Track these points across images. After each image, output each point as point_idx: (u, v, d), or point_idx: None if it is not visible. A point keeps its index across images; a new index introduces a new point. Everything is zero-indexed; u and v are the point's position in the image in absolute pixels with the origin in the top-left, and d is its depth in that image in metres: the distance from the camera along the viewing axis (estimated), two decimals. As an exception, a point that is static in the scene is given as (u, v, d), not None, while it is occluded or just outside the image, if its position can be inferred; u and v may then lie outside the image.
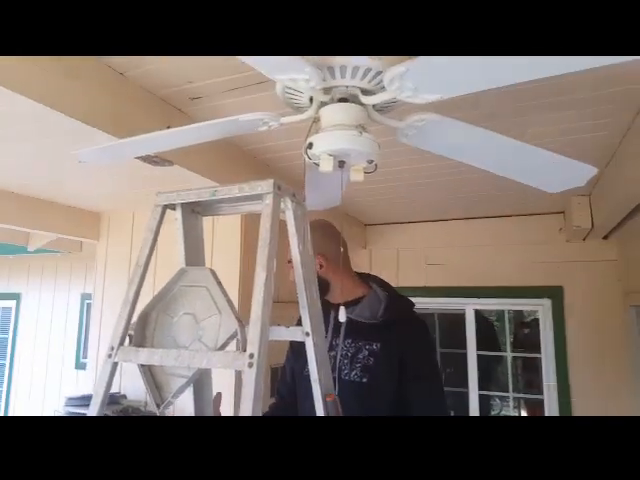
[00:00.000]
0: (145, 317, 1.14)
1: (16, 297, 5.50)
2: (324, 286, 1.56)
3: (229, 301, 1.06)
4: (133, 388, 2.72)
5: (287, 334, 1.11)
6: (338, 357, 1.49)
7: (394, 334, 1.46)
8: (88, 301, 4.86)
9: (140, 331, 1.12)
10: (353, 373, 1.45)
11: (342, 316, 1.18)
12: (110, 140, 1.47)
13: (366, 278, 1.65)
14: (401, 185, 2.74)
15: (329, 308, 1.54)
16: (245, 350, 0.88)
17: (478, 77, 0.88)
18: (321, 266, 1.58)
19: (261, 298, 0.99)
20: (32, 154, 2.09)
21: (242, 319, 1.00)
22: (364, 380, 1.43)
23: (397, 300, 1.57)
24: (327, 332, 1.52)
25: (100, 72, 1.43)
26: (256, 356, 0.85)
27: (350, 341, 1.50)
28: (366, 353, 1.46)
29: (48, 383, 5.08)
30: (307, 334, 1.07)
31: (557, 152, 2.03)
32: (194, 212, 1.30)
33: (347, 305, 1.52)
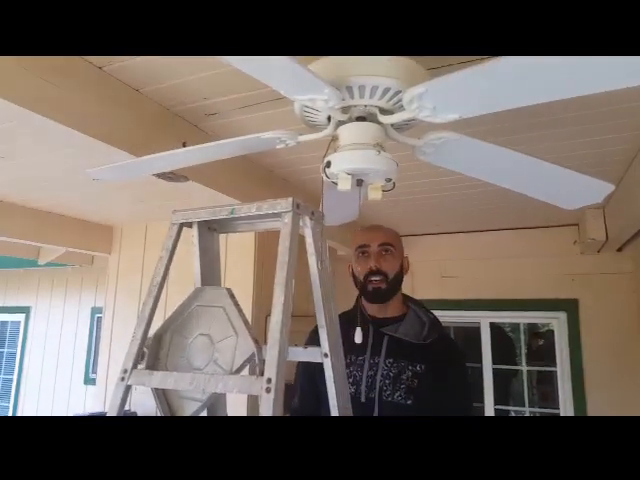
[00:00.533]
0: (159, 338, 1.13)
1: (25, 311, 5.52)
2: (395, 290, 1.57)
3: (246, 322, 1.04)
4: (143, 406, 2.70)
5: (305, 355, 1.09)
6: (378, 377, 1.44)
7: (437, 356, 1.44)
8: (98, 315, 4.86)
9: (154, 353, 1.11)
10: (397, 394, 1.41)
11: (358, 337, 1.18)
12: (124, 156, 1.48)
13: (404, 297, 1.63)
14: (416, 198, 2.73)
15: (366, 321, 1.52)
16: (262, 374, 0.86)
17: (500, 98, 0.87)
18: (406, 269, 1.61)
19: (280, 320, 0.97)
20: (45, 168, 2.11)
21: (259, 340, 0.99)
22: (409, 402, 1.39)
23: (439, 322, 1.56)
24: (366, 349, 1.49)
25: (115, 88, 1.44)
26: (274, 381, 0.83)
27: (392, 360, 1.46)
28: (410, 374, 1.42)
29: (56, 398, 5.06)
30: (325, 355, 1.06)
31: (572, 167, 2.02)
32: (210, 229, 1.30)
33: (388, 322, 1.52)
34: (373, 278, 1.51)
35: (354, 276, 1.59)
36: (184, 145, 1.66)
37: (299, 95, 0.94)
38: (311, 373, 1.54)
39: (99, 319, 4.87)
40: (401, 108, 0.97)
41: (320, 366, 1.04)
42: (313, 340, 1.07)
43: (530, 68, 0.77)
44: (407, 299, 1.62)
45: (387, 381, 1.43)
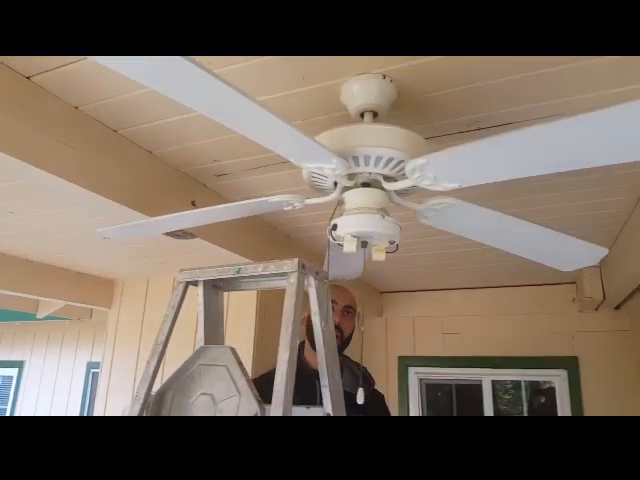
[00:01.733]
0: (161, 397, 1.13)
1: (19, 365, 5.41)
2: (344, 349, 1.75)
3: (249, 381, 1.05)
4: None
5: (308, 415, 1.10)
6: None
7: (367, 405, 1.48)
8: (94, 370, 4.78)
9: (155, 412, 1.11)
10: None
11: (360, 398, 1.18)
12: (133, 214, 1.52)
13: None
14: (418, 255, 2.78)
15: (311, 374, 1.58)
16: (267, 435, 0.86)
17: (496, 170, 0.93)
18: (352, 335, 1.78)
19: (284, 379, 0.99)
20: (49, 223, 2.15)
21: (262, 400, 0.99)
22: None
23: (370, 376, 1.75)
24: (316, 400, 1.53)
25: (128, 150, 1.50)
26: (279, 442, 0.84)
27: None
28: None
29: (47, 456, 4.88)
30: (328, 415, 1.06)
31: (568, 227, 2.08)
32: (216, 287, 1.32)
33: None
34: None
35: (308, 324, 1.65)
36: (193, 204, 1.71)
37: (308, 163, 1.00)
38: None
39: (95, 374, 4.78)
40: (404, 176, 1.03)
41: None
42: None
43: (525, 144, 0.83)
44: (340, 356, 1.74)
45: None
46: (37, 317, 3.88)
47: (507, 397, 4.87)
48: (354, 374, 1.72)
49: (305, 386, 1.31)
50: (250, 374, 2.66)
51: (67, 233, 2.31)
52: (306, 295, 1.13)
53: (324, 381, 1.10)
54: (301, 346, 1.73)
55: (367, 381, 1.70)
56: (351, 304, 1.78)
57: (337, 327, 1.63)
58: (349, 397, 1.48)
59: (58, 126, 1.28)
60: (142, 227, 1.39)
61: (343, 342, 1.72)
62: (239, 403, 1.04)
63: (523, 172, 0.92)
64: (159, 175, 1.63)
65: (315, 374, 1.54)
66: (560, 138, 0.79)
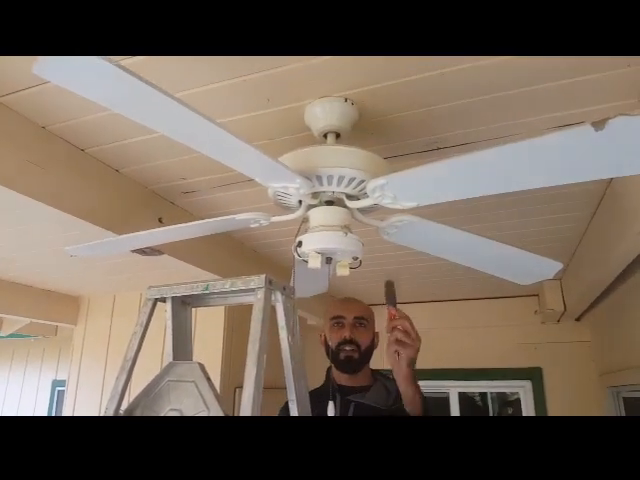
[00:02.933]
0: (130, 414, 1.13)
1: (-19, 384, 5.24)
2: (365, 362, 1.63)
3: (217, 396, 1.06)
4: None
5: (275, 429, 1.11)
6: None
7: None
8: (60, 388, 4.66)
9: (125, 429, 1.11)
10: None
11: (330, 411, 1.21)
12: (100, 231, 1.53)
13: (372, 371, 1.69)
14: (382, 269, 2.83)
15: (333, 391, 1.53)
16: (235, 448, 0.88)
17: (450, 190, 0.98)
18: (376, 345, 1.68)
19: (251, 394, 1.00)
20: (13, 240, 2.12)
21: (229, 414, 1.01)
22: None
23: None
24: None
25: (94, 168, 1.51)
26: (247, 455, 0.86)
27: None
28: None
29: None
30: (295, 428, 1.08)
31: (527, 242, 2.16)
32: (184, 304, 1.33)
33: (355, 390, 1.56)
34: (346, 347, 1.57)
35: (326, 345, 1.63)
36: (160, 221, 1.72)
37: (273, 183, 1.03)
38: None
39: (60, 392, 4.66)
40: (365, 195, 1.07)
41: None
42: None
43: (477, 166, 0.88)
44: (375, 372, 1.67)
45: None
46: (1, 335, 3.78)
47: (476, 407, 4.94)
48: (387, 390, 1.59)
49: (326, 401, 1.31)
50: (219, 387, 2.66)
51: (33, 250, 2.28)
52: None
53: (291, 395, 1.12)
54: (330, 369, 1.66)
55: (400, 399, 1.51)
56: (362, 314, 1.66)
57: (351, 341, 1.57)
58: (375, 412, 1.47)
59: (26, 146, 1.28)
60: (110, 245, 1.40)
61: (362, 355, 1.59)
62: (207, 418, 1.05)
63: (476, 192, 0.98)
64: (127, 193, 1.64)
65: (337, 388, 1.56)
66: (511, 161, 0.85)
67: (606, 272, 2.06)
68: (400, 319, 1.39)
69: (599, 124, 0.70)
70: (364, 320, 1.65)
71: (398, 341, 1.36)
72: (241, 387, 1.01)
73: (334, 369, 1.65)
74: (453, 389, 3.64)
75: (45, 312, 3.15)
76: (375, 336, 1.68)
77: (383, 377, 1.66)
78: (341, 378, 1.61)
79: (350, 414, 1.50)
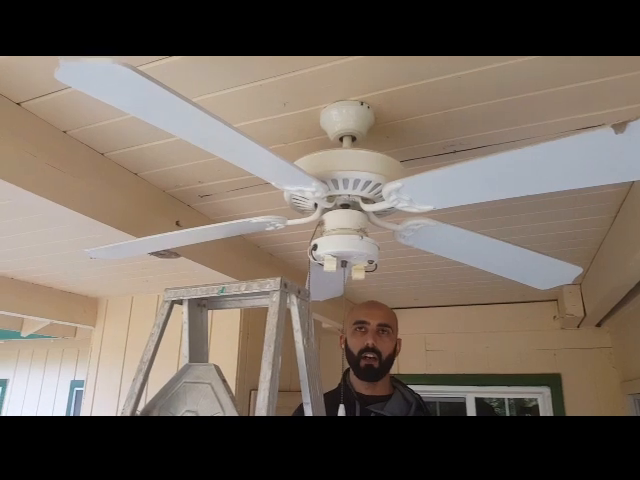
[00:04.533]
0: (147, 415, 1.14)
1: (2, 384, 5.34)
2: (386, 371, 1.60)
3: (233, 398, 1.07)
4: None
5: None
6: None
7: None
8: (78, 388, 4.73)
9: (142, 429, 1.12)
10: None
11: (341, 412, 1.21)
12: (117, 233, 1.55)
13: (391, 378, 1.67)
14: (399, 273, 2.82)
15: (352, 398, 1.54)
16: (250, 450, 0.88)
17: (467, 193, 0.97)
18: (398, 351, 1.64)
19: (266, 397, 1.00)
20: (35, 243, 2.17)
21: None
22: None
23: (424, 403, 1.60)
24: None
25: (114, 172, 1.53)
26: (262, 457, 0.86)
27: None
28: None
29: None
30: (310, 432, 1.08)
31: (547, 246, 2.12)
32: (200, 306, 1.35)
33: (375, 400, 1.54)
34: (367, 355, 1.54)
35: (347, 349, 1.61)
36: (177, 224, 1.74)
37: (288, 186, 1.04)
38: None
39: (78, 393, 4.73)
40: (381, 198, 1.07)
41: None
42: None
43: (495, 169, 0.87)
44: (393, 380, 1.66)
45: None
46: (21, 335, 3.85)
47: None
48: (406, 401, 1.58)
49: (346, 408, 1.28)
50: (234, 389, 2.67)
51: (53, 252, 2.32)
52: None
53: (306, 399, 1.12)
54: (347, 371, 1.65)
55: (421, 409, 1.56)
56: (386, 322, 1.60)
57: (373, 349, 1.54)
58: None
59: (47, 149, 1.31)
60: (129, 247, 1.41)
61: (382, 364, 1.55)
62: (222, 420, 1.06)
63: (494, 196, 0.97)
64: (145, 196, 1.66)
65: (357, 397, 1.55)
66: (529, 164, 0.84)
67: (628, 276, 2.02)
68: None
69: (620, 127, 0.68)
70: (388, 327, 1.60)
71: None
72: (256, 389, 1.01)
73: (352, 375, 1.63)
74: (470, 395, 3.60)
75: (65, 313, 3.20)
76: (397, 343, 1.65)
77: (402, 386, 1.64)
78: (360, 386, 1.59)
79: None
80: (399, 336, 1.66)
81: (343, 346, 1.64)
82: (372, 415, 1.50)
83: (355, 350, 1.57)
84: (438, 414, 4.08)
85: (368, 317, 1.60)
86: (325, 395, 1.11)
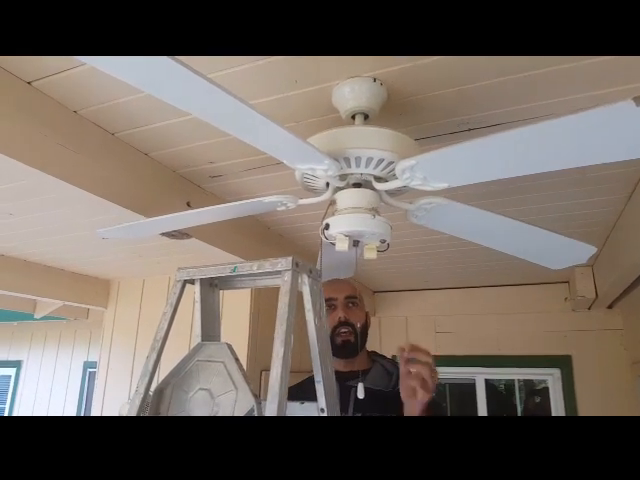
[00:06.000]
0: (160, 393, 1.15)
1: (17, 365, 5.44)
2: (363, 344, 1.60)
3: (245, 377, 1.07)
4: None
5: (301, 410, 1.12)
6: None
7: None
8: (91, 369, 4.81)
9: (154, 407, 1.13)
10: None
11: (360, 392, 1.20)
12: (129, 214, 1.55)
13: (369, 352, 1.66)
14: (410, 255, 2.81)
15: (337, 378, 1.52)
16: (262, 428, 0.89)
17: (482, 171, 0.96)
18: (369, 324, 1.65)
19: (279, 374, 1.01)
20: (47, 224, 2.18)
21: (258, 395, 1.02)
22: None
23: None
24: (347, 406, 1.49)
25: (124, 152, 1.53)
26: (274, 434, 0.86)
27: (360, 415, 1.45)
28: None
29: (45, 455, 4.91)
30: (322, 410, 1.09)
31: (560, 226, 2.11)
32: (212, 286, 1.35)
33: (354, 376, 1.50)
34: (342, 330, 1.54)
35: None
36: (188, 204, 1.74)
37: (300, 165, 1.03)
38: None
39: (91, 373, 4.80)
40: (394, 177, 1.05)
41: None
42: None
43: (511, 145, 0.86)
44: (372, 354, 1.66)
45: None
46: (35, 317, 3.91)
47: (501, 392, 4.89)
48: (387, 372, 1.57)
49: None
50: (246, 368, 2.70)
51: (65, 234, 2.34)
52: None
53: (317, 377, 1.12)
54: None
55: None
56: (352, 293, 1.62)
57: (346, 322, 1.54)
58: (376, 395, 1.43)
59: (58, 129, 1.30)
60: (140, 228, 1.42)
61: (357, 337, 1.55)
62: (236, 397, 1.06)
63: (510, 172, 0.95)
64: (156, 177, 1.66)
65: (342, 377, 1.47)
66: (546, 139, 0.82)
67: (641, 258, 2.00)
68: (419, 365, 1.28)
69: (642, 99, 0.67)
70: (355, 299, 1.62)
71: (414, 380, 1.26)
72: (267, 370, 1.02)
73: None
74: (480, 376, 3.62)
75: (77, 295, 3.24)
76: (367, 316, 1.65)
77: (381, 358, 1.64)
78: (338, 364, 1.54)
79: (352, 400, 1.48)
80: (369, 311, 1.69)
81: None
82: (353, 390, 1.45)
83: (328, 329, 1.55)
84: (448, 395, 4.10)
85: (334, 292, 1.61)
86: (292, 388, 1.09)
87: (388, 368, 1.58)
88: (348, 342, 1.54)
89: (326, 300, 1.58)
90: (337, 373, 1.52)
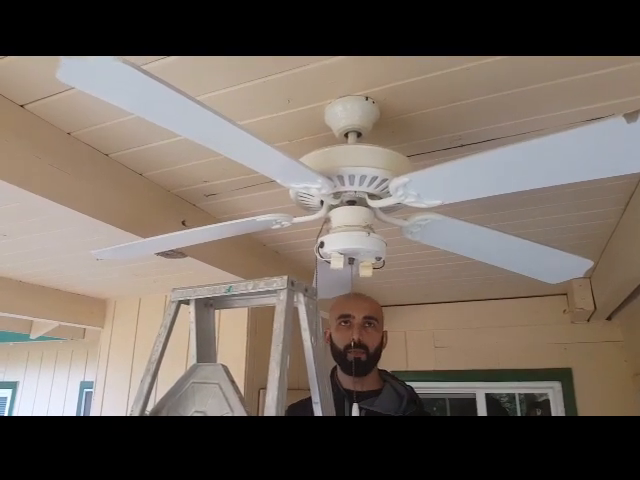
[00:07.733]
0: (155, 415, 1.14)
1: (12, 386, 5.38)
2: (374, 364, 1.55)
3: (241, 398, 1.06)
4: None
5: (299, 432, 1.11)
6: None
7: None
8: (87, 390, 4.76)
9: (151, 430, 1.12)
10: None
11: (355, 411, 1.19)
12: (124, 234, 1.55)
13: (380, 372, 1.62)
14: (406, 269, 2.80)
15: (341, 396, 1.48)
16: (259, 450, 0.87)
17: (475, 187, 0.96)
18: (385, 344, 1.58)
19: (275, 396, 1.00)
20: (42, 245, 2.17)
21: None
22: None
23: (416, 395, 1.54)
24: None
25: (119, 173, 1.53)
26: (271, 457, 0.85)
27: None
28: None
29: (40, 478, 4.84)
30: (320, 431, 1.07)
31: (556, 239, 2.10)
32: (207, 306, 1.34)
33: (364, 396, 1.47)
34: (353, 350, 1.49)
35: (332, 344, 1.56)
36: (183, 223, 1.74)
37: (294, 184, 1.03)
38: None
39: (88, 394, 4.75)
40: (388, 194, 1.06)
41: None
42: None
43: (502, 162, 0.86)
44: (383, 373, 1.60)
45: None
46: (30, 338, 3.87)
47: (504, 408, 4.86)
48: (398, 394, 1.51)
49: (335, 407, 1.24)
50: (242, 388, 2.68)
51: (60, 255, 2.33)
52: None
53: (315, 398, 1.11)
54: (335, 368, 1.60)
55: (413, 401, 1.49)
56: (371, 314, 1.53)
57: (359, 344, 1.48)
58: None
59: (51, 151, 1.30)
60: (135, 248, 1.41)
61: (369, 358, 1.49)
62: (231, 420, 1.05)
63: (502, 189, 0.95)
64: (150, 197, 1.66)
65: (346, 395, 1.49)
66: (538, 156, 0.82)
67: (638, 269, 2.00)
68: None
69: (632, 116, 0.67)
70: (374, 320, 1.54)
71: None
72: (265, 389, 1.01)
73: (339, 371, 1.57)
74: (480, 390, 3.59)
75: (73, 315, 3.21)
76: (384, 335, 1.58)
77: (392, 379, 1.59)
78: (348, 382, 1.52)
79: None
80: (385, 329, 1.61)
81: (328, 342, 1.57)
82: (362, 412, 1.43)
83: (341, 345, 1.51)
84: (448, 411, 4.06)
85: (353, 310, 1.54)
86: (295, 405, 1.08)
87: (399, 390, 1.53)
88: (359, 360, 1.48)
89: (343, 316, 1.55)
90: (348, 392, 1.51)
